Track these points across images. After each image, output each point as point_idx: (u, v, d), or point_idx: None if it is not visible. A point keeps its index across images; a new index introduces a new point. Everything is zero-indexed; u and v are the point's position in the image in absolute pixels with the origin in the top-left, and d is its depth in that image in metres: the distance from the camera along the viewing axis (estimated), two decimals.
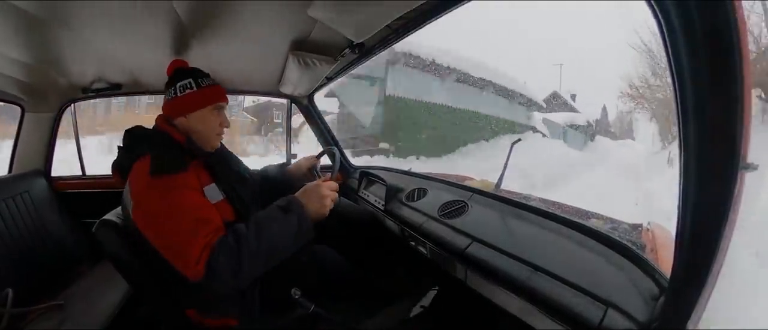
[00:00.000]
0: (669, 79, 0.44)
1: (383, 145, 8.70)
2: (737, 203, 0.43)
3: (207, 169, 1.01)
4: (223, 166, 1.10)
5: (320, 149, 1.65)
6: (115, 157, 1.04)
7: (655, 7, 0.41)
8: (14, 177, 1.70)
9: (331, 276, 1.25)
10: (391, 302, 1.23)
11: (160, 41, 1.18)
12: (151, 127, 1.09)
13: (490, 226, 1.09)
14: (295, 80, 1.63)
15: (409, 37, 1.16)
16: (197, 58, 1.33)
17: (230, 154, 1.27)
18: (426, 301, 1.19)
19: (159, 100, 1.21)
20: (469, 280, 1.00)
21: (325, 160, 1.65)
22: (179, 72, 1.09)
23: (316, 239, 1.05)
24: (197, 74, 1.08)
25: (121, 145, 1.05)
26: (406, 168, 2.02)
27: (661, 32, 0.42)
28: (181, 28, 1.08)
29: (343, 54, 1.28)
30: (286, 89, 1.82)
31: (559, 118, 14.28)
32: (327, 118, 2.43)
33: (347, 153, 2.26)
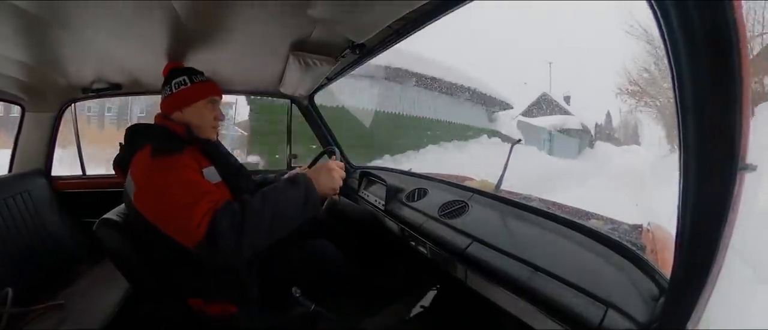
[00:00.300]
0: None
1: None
2: (737, 204, 0.43)
3: (205, 155, 1.04)
4: (220, 153, 1.13)
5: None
6: (116, 154, 1.06)
7: (655, 7, 0.41)
8: (14, 177, 1.70)
9: (332, 275, 1.25)
10: (391, 302, 1.24)
11: (161, 42, 1.18)
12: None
13: (491, 227, 1.09)
14: (295, 81, 1.64)
15: (409, 37, 1.16)
16: (198, 58, 1.34)
17: (228, 152, 1.27)
18: (426, 301, 1.19)
19: (150, 115, 1.23)
20: (469, 280, 1.00)
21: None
22: (174, 71, 1.14)
23: (316, 239, 1.06)
24: (191, 72, 1.14)
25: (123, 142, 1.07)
26: None
27: (661, 32, 0.42)
28: (181, 28, 1.08)
29: (344, 54, 1.28)
30: (287, 90, 1.82)
31: (547, 121, 13.40)
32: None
33: None
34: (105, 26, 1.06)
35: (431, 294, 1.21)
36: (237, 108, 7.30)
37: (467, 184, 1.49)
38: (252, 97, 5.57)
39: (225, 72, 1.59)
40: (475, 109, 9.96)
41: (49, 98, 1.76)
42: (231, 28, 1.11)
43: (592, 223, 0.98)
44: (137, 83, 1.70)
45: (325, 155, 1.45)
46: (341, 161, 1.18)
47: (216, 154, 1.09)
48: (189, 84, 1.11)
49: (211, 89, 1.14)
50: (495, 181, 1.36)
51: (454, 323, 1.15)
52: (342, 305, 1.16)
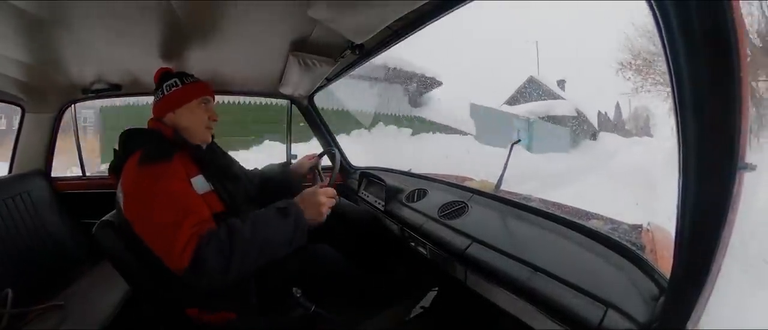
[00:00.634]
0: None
1: None
2: (736, 203, 0.43)
3: (195, 162, 1.03)
4: (211, 160, 1.11)
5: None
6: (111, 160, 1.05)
7: (654, 7, 0.41)
8: (14, 177, 1.70)
9: (332, 276, 1.25)
10: (391, 302, 1.23)
11: (160, 42, 1.19)
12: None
13: (490, 227, 1.09)
14: (295, 81, 1.64)
15: (408, 37, 1.16)
16: (197, 59, 1.34)
17: (224, 153, 1.27)
18: (426, 301, 1.19)
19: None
20: (469, 281, 1.00)
21: (325, 161, 1.65)
22: (165, 75, 1.14)
23: (316, 239, 1.06)
24: (182, 74, 1.13)
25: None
26: None
27: (660, 32, 0.42)
28: (181, 29, 1.08)
29: (344, 55, 1.28)
30: (287, 90, 1.82)
31: (530, 109, 11.80)
32: None
33: None
34: (105, 27, 1.06)
35: (431, 295, 1.21)
36: None
37: (467, 184, 1.49)
38: None
39: (224, 72, 1.59)
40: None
41: (49, 99, 1.76)
42: (230, 28, 1.11)
43: (592, 223, 0.98)
44: (137, 83, 1.70)
45: (326, 156, 1.45)
46: (340, 161, 1.17)
47: (207, 160, 1.07)
48: (180, 85, 1.10)
49: (202, 89, 1.13)
50: (494, 181, 1.36)
51: (454, 324, 1.15)
52: (342, 306, 1.16)
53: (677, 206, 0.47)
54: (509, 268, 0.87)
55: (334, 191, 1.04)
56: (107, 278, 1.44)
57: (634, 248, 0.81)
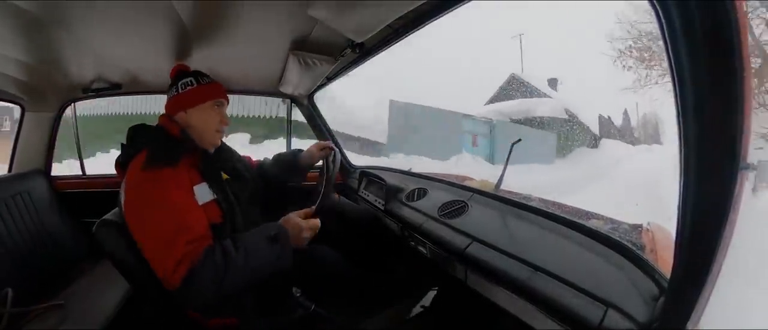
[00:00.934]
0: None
1: None
2: (737, 203, 0.43)
3: (200, 168, 1.02)
4: (217, 165, 1.10)
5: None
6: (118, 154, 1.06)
7: (656, 6, 0.41)
8: (14, 177, 1.70)
9: (332, 276, 1.25)
10: (391, 302, 1.23)
11: (161, 41, 1.18)
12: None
13: (490, 226, 1.09)
14: (295, 80, 1.63)
15: (408, 36, 1.16)
16: (197, 58, 1.33)
17: (232, 152, 1.27)
18: (426, 301, 1.19)
19: None
20: (469, 280, 1.00)
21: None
22: (182, 72, 1.13)
23: (316, 239, 1.05)
24: (199, 74, 1.13)
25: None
26: None
27: (662, 32, 0.42)
28: (181, 28, 1.08)
29: (344, 54, 1.28)
30: (287, 89, 1.82)
31: (501, 109, 10.42)
32: None
33: None
34: (105, 26, 1.06)
35: (431, 294, 1.21)
36: None
37: (467, 184, 1.49)
38: None
39: (225, 71, 1.59)
40: None
41: (49, 98, 1.75)
42: (231, 27, 1.11)
43: (592, 223, 0.98)
44: (137, 82, 1.70)
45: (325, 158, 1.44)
46: (340, 160, 1.17)
47: (213, 166, 1.06)
48: (195, 85, 1.09)
49: (217, 91, 1.12)
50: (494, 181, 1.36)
51: (454, 323, 1.15)
52: (342, 306, 1.16)
53: (678, 206, 0.47)
54: (509, 268, 0.87)
55: (318, 224, 1.04)
56: (107, 278, 1.44)
57: (634, 248, 0.81)
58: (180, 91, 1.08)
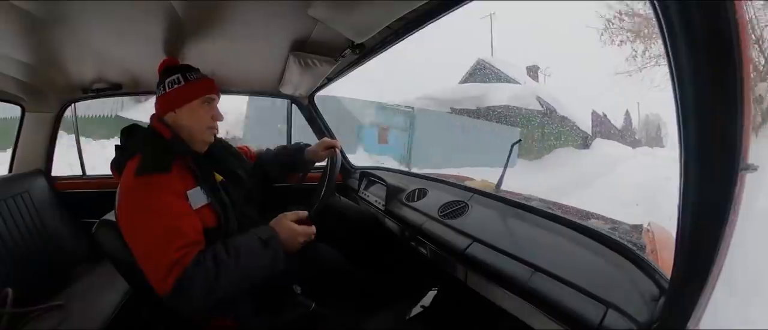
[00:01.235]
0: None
1: None
2: (737, 204, 0.43)
3: (193, 170, 0.99)
4: (211, 166, 1.07)
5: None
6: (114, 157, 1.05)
7: (656, 6, 0.41)
8: (14, 177, 1.70)
9: (332, 276, 1.25)
10: (391, 302, 1.24)
11: (160, 41, 1.18)
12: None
13: (491, 227, 1.09)
14: (295, 81, 1.63)
15: (408, 37, 1.16)
16: (197, 58, 1.33)
17: (228, 149, 1.24)
18: (426, 301, 1.19)
19: None
20: (469, 281, 1.00)
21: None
22: (168, 69, 1.07)
23: (316, 239, 1.05)
24: (186, 69, 1.07)
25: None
26: None
27: (662, 32, 0.42)
28: (181, 28, 1.08)
29: (344, 54, 1.28)
30: (287, 90, 1.82)
31: (438, 96, 8.25)
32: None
33: None
34: (105, 26, 1.06)
35: (431, 294, 1.21)
36: None
37: (467, 184, 1.49)
38: None
39: (225, 72, 1.59)
40: None
41: (49, 98, 1.75)
42: (231, 28, 1.11)
43: (592, 223, 0.99)
44: (137, 83, 1.70)
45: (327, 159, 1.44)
46: (340, 161, 1.17)
47: (206, 168, 1.04)
48: (183, 83, 1.04)
49: (205, 87, 1.06)
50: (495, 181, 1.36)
51: (454, 323, 1.15)
52: (342, 306, 1.16)
53: (678, 206, 0.47)
54: (509, 268, 0.88)
55: (313, 230, 1.04)
56: (107, 278, 1.44)
57: (634, 248, 0.81)
58: (167, 90, 1.04)
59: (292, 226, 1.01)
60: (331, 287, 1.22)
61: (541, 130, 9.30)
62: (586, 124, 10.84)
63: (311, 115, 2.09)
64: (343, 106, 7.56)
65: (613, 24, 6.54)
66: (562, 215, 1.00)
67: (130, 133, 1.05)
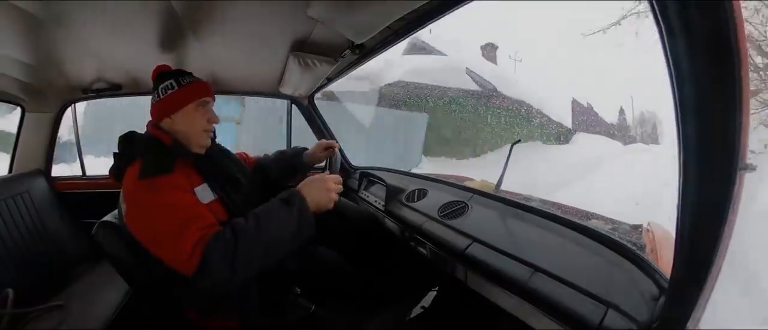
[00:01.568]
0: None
1: None
2: (736, 204, 0.43)
3: (197, 170, 0.99)
4: (213, 166, 1.06)
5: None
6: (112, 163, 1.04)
7: (655, 7, 0.41)
8: (14, 177, 1.70)
9: (332, 277, 1.25)
10: (391, 302, 1.24)
11: (160, 42, 1.18)
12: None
13: (490, 227, 1.09)
14: (295, 81, 1.64)
15: (408, 37, 1.16)
16: (197, 59, 1.34)
17: (227, 154, 1.23)
18: (426, 301, 1.19)
19: None
20: (469, 281, 1.00)
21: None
22: (161, 75, 1.07)
23: (316, 240, 1.05)
24: (179, 74, 1.06)
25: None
26: None
27: (661, 33, 0.42)
28: (180, 28, 1.08)
29: (344, 55, 1.28)
30: (287, 90, 1.82)
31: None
32: None
33: None
34: (104, 26, 1.06)
35: (431, 294, 1.21)
36: None
37: (467, 184, 1.49)
38: None
39: (224, 72, 1.59)
40: None
41: (49, 98, 1.76)
42: (231, 28, 1.11)
43: (593, 223, 0.99)
44: (137, 83, 1.70)
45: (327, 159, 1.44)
46: (340, 161, 1.17)
47: (210, 166, 1.03)
48: (176, 88, 1.03)
49: (199, 91, 1.05)
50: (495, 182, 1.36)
51: (454, 324, 1.15)
52: (342, 306, 1.16)
53: (678, 206, 0.47)
54: (509, 268, 0.88)
55: (341, 178, 1.00)
56: (107, 278, 1.44)
57: (634, 248, 0.81)
58: (161, 96, 1.03)
59: (322, 176, 0.96)
60: (331, 288, 1.22)
61: (477, 118, 7.33)
62: (563, 115, 8.91)
63: (311, 116, 2.09)
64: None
65: None
66: (562, 215, 1.00)
67: (128, 140, 1.02)
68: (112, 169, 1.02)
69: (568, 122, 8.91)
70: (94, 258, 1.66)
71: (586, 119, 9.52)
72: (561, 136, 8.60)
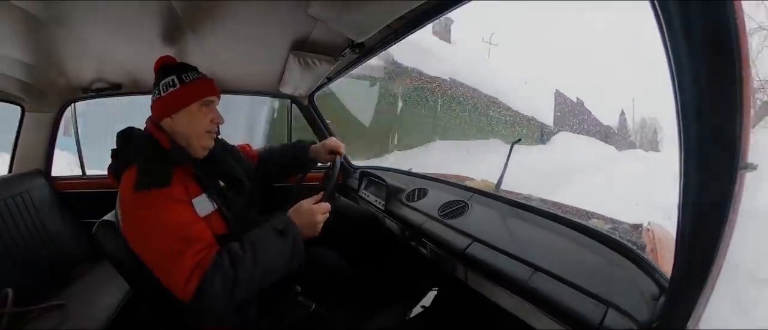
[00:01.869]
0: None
1: None
2: (737, 203, 0.43)
3: (196, 178, 0.95)
4: (213, 172, 1.03)
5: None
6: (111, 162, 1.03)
7: (656, 7, 0.41)
8: (14, 177, 1.70)
9: (332, 276, 1.25)
10: (391, 302, 1.24)
11: (160, 41, 1.18)
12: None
13: (491, 226, 1.09)
14: (295, 80, 1.64)
15: (408, 37, 1.16)
16: (197, 58, 1.33)
17: (227, 150, 1.20)
18: (426, 301, 1.19)
19: None
20: (469, 280, 1.00)
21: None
22: (163, 69, 1.00)
23: (316, 240, 1.05)
24: (182, 69, 0.99)
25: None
26: None
27: (662, 32, 0.42)
28: (181, 28, 1.08)
29: (344, 54, 1.28)
30: (287, 89, 1.82)
31: None
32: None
33: None
34: (104, 26, 1.06)
35: (431, 294, 1.21)
36: None
37: (467, 184, 1.49)
38: None
39: (225, 72, 1.59)
40: None
41: (49, 98, 1.76)
42: (230, 27, 1.11)
43: (593, 223, 0.99)
44: (137, 83, 1.70)
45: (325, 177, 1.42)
46: (341, 161, 1.17)
47: (208, 174, 0.99)
48: (178, 85, 0.96)
49: (203, 89, 0.99)
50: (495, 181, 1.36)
51: (455, 323, 1.15)
52: (342, 306, 1.16)
53: (678, 206, 0.47)
54: (510, 268, 0.88)
55: (329, 206, 1.01)
56: (107, 278, 1.44)
57: (634, 247, 0.81)
58: (162, 93, 0.97)
59: (310, 206, 0.97)
60: (331, 287, 1.21)
61: (385, 105, 6.08)
62: (542, 111, 7.73)
63: (311, 115, 2.09)
64: None
65: None
66: (562, 215, 1.00)
67: (126, 139, 0.99)
68: (110, 168, 1.01)
69: (547, 119, 7.70)
70: (94, 258, 1.66)
71: (573, 115, 7.99)
72: (542, 135, 7.38)
